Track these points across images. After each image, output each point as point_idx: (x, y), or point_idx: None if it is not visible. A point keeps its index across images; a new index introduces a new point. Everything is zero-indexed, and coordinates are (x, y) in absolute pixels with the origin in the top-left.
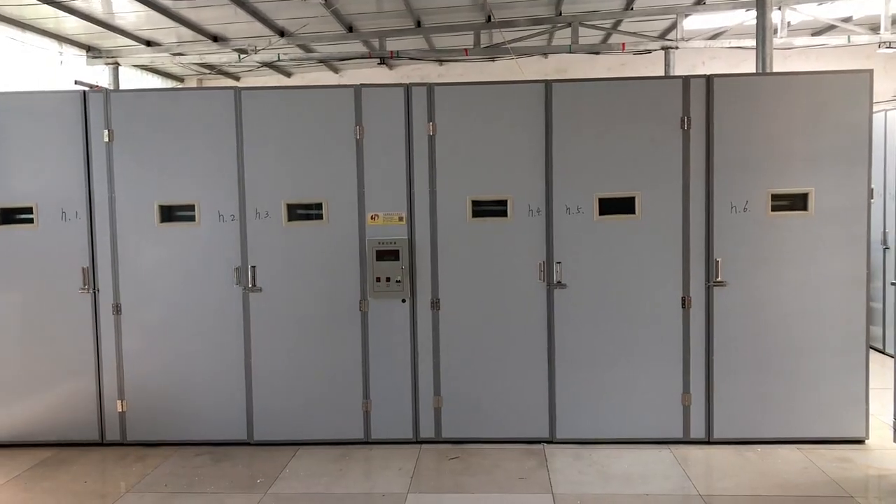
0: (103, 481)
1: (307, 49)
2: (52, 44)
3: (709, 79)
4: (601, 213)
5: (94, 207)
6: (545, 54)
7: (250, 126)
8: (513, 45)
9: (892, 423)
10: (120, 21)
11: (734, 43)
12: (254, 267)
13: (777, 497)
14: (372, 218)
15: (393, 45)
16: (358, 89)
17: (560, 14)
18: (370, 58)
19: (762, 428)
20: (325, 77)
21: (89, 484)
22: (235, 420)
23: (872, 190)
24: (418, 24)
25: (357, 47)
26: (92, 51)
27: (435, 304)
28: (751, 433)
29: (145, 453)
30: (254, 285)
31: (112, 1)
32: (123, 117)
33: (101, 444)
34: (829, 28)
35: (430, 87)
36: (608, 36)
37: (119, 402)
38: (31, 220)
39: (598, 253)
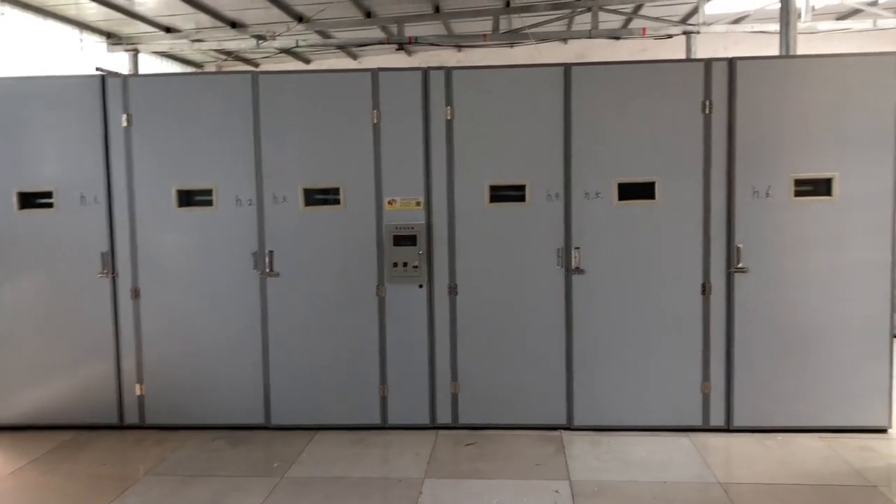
0: (122, 464)
1: (325, 35)
2: (72, 31)
3: (731, 62)
4: (620, 198)
5: (113, 192)
6: (565, 40)
7: (267, 110)
8: (532, 30)
9: None
10: (140, 7)
11: (757, 28)
12: (271, 252)
13: (798, 486)
14: (389, 203)
15: (411, 30)
16: (375, 73)
17: None
18: (388, 44)
19: (783, 416)
20: (343, 63)
21: (108, 467)
22: (253, 404)
23: None
24: (437, 9)
25: (375, 33)
26: (112, 37)
27: (452, 290)
28: (771, 421)
29: (163, 437)
30: (271, 270)
31: None
32: (142, 102)
33: (121, 427)
34: (854, 12)
35: (447, 71)
36: (629, 20)
37: (138, 386)
38: (50, 205)
39: (617, 239)
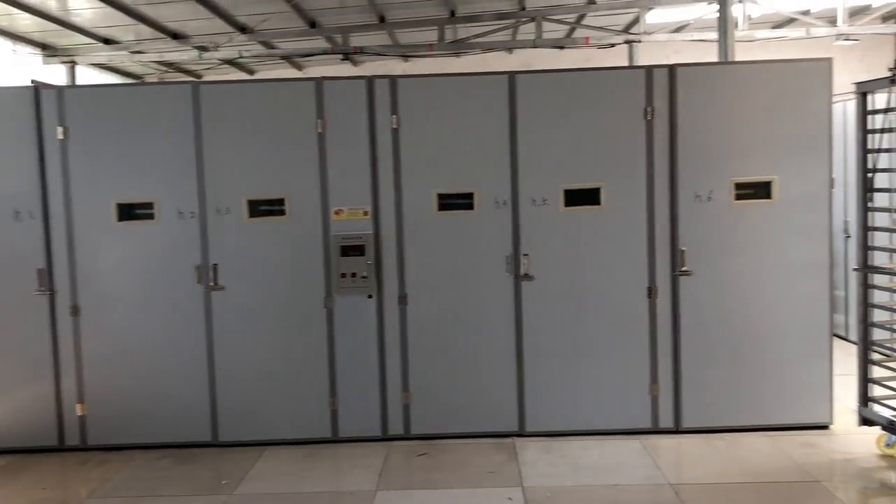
0: (63, 487)
1: (269, 46)
2: (4, 42)
3: (671, 68)
4: (567, 204)
5: (50, 206)
6: (510, 49)
7: (210, 121)
8: (477, 40)
9: (855, 409)
10: (76, 18)
11: (696, 36)
12: (215, 265)
13: (745, 484)
14: (336, 213)
15: (357, 40)
16: (319, 82)
17: (524, 8)
18: (333, 54)
19: (730, 416)
20: (288, 74)
21: (48, 491)
22: (200, 421)
23: (834, 180)
24: (382, 19)
25: (320, 43)
26: (48, 49)
27: (402, 299)
28: (719, 421)
29: (107, 457)
30: (216, 283)
31: None
32: (79, 114)
33: (61, 449)
34: (789, 21)
35: (392, 80)
36: (572, 30)
37: (79, 406)
38: None
39: (564, 244)
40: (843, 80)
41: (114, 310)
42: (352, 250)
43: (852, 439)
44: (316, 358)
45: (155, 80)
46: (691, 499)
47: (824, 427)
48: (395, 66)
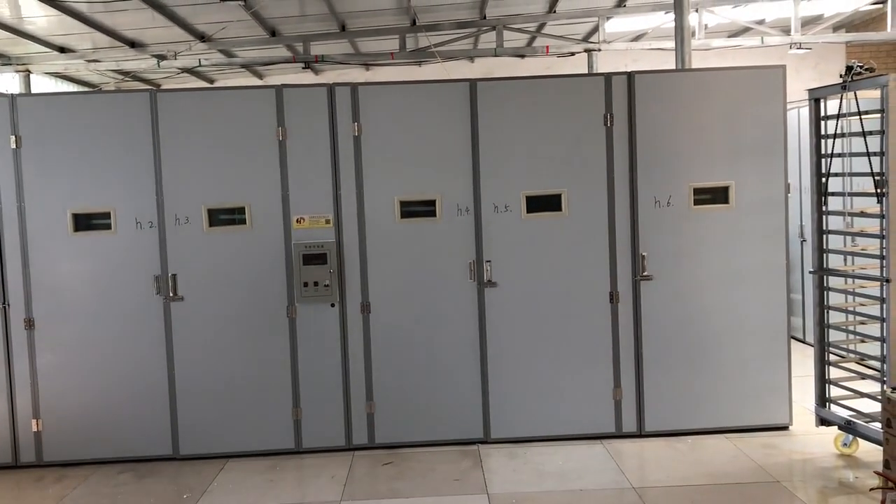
0: None
1: (229, 54)
2: None
3: (630, 75)
4: (529, 210)
5: (3, 217)
6: (471, 58)
7: (168, 129)
8: (439, 48)
9: (813, 410)
10: (30, 26)
11: (655, 45)
12: (174, 275)
13: (707, 486)
14: (298, 221)
15: (317, 49)
16: (279, 90)
17: (484, 17)
18: (294, 62)
19: (692, 419)
20: (248, 83)
21: None
22: (160, 435)
23: (790, 185)
24: (343, 27)
25: (281, 52)
26: (1, 58)
27: (365, 308)
28: (681, 424)
29: (64, 473)
30: (175, 294)
31: (20, 4)
32: (32, 122)
33: (15, 466)
34: (744, 30)
35: (353, 87)
36: (533, 39)
37: (34, 422)
38: None
39: (527, 251)
40: (798, 88)
41: (70, 322)
42: (314, 259)
43: (811, 439)
44: (279, 368)
45: (112, 88)
46: (655, 502)
47: (784, 428)
48: (357, 75)
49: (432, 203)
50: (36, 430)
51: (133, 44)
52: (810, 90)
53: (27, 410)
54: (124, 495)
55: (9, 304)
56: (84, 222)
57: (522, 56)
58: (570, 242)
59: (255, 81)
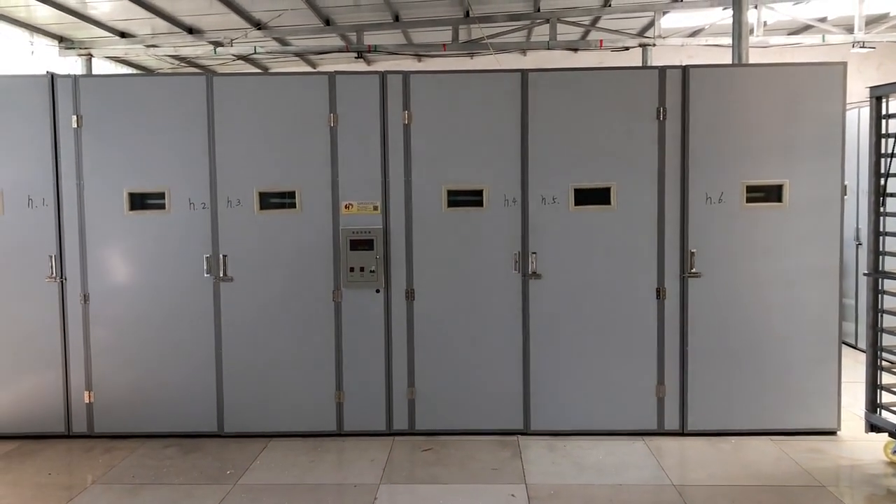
0: (69, 473)
1: (283, 42)
2: (23, 33)
3: (685, 69)
4: (577, 203)
5: (62, 194)
6: (523, 51)
7: (222, 112)
8: (491, 40)
9: (863, 416)
10: (93, 11)
11: (711, 41)
12: (225, 256)
13: (750, 487)
14: (346, 207)
15: (370, 39)
16: (332, 77)
17: (538, 10)
18: (347, 52)
19: (736, 419)
20: (301, 71)
21: (54, 476)
22: (206, 411)
23: (846, 186)
24: (396, 18)
25: (334, 41)
26: (64, 41)
27: (409, 295)
28: (725, 424)
29: (112, 445)
30: (225, 274)
31: None
32: (93, 103)
33: (68, 436)
34: (804, 28)
35: (405, 76)
36: (586, 33)
37: (87, 394)
38: None
39: (573, 243)
40: (860, 88)
41: (123, 298)
42: (361, 244)
43: (859, 445)
44: (323, 351)
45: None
46: (695, 500)
47: (831, 433)
48: (409, 66)
49: (479, 193)
50: (88, 401)
51: (191, 30)
52: (872, 87)
53: (80, 382)
54: (170, 468)
55: (66, 279)
56: (139, 202)
57: (575, 50)
58: (618, 236)
59: (308, 70)
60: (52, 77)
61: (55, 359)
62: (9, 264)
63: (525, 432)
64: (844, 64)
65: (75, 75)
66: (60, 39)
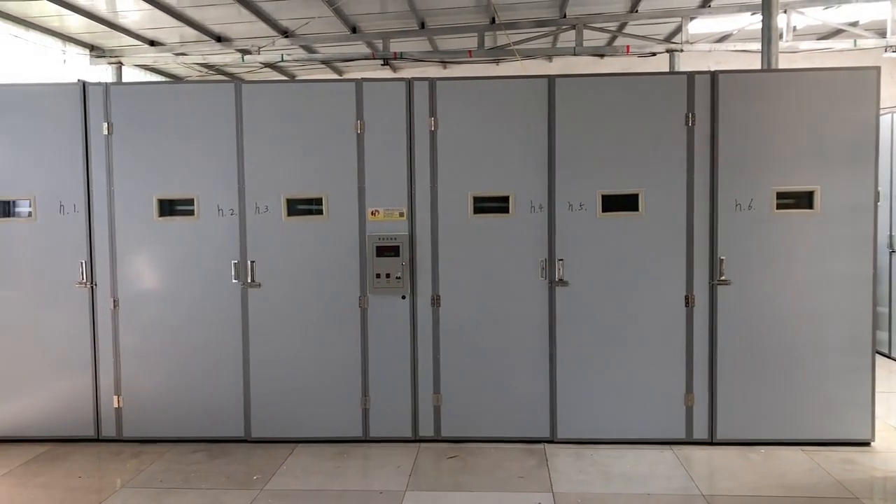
0: (98, 477)
1: (310, 50)
2: (55, 42)
3: (714, 75)
4: (604, 210)
5: (93, 201)
6: (549, 57)
7: (251, 120)
8: (517, 47)
9: None
10: (123, 20)
11: (739, 47)
12: (253, 262)
13: (781, 498)
14: (372, 213)
15: (396, 46)
16: (359, 83)
17: (565, 16)
18: (373, 59)
19: (766, 429)
20: (327, 79)
21: (84, 479)
22: (233, 417)
23: (879, 192)
24: (422, 25)
25: (360, 48)
26: (95, 50)
27: (435, 301)
28: (754, 434)
29: (141, 449)
30: (252, 280)
31: None
32: (123, 110)
33: (97, 440)
34: (835, 32)
35: (431, 82)
36: (613, 39)
37: (116, 398)
38: (29, 214)
39: (600, 250)
40: (893, 93)
41: (152, 304)
42: (387, 251)
43: (894, 457)
44: (349, 357)
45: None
46: None
47: (865, 444)
48: (434, 72)
49: (506, 199)
50: (117, 406)
51: (219, 38)
52: None
53: (109, 387)
54: (197, 473)
55: (96, 284)
56: (168, 208)
57: (602, 56)
58: (646, 243)
59: (335, 77)
60: (84, 85)
61: (85, 363)
62: (41, 269)
63: (551, 440)
64: (878, 68)
65: (106, 83)
66: (92, 48)
